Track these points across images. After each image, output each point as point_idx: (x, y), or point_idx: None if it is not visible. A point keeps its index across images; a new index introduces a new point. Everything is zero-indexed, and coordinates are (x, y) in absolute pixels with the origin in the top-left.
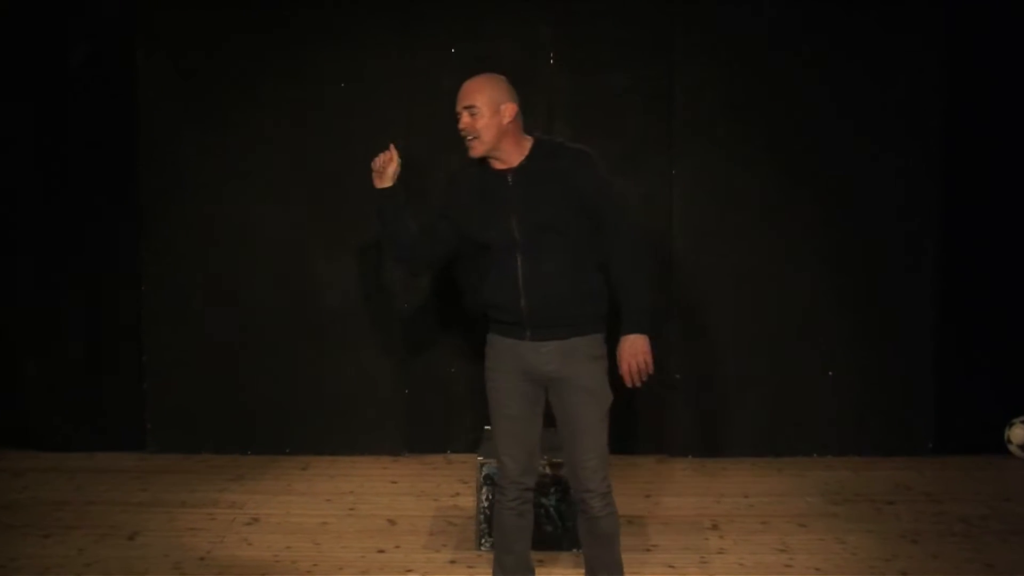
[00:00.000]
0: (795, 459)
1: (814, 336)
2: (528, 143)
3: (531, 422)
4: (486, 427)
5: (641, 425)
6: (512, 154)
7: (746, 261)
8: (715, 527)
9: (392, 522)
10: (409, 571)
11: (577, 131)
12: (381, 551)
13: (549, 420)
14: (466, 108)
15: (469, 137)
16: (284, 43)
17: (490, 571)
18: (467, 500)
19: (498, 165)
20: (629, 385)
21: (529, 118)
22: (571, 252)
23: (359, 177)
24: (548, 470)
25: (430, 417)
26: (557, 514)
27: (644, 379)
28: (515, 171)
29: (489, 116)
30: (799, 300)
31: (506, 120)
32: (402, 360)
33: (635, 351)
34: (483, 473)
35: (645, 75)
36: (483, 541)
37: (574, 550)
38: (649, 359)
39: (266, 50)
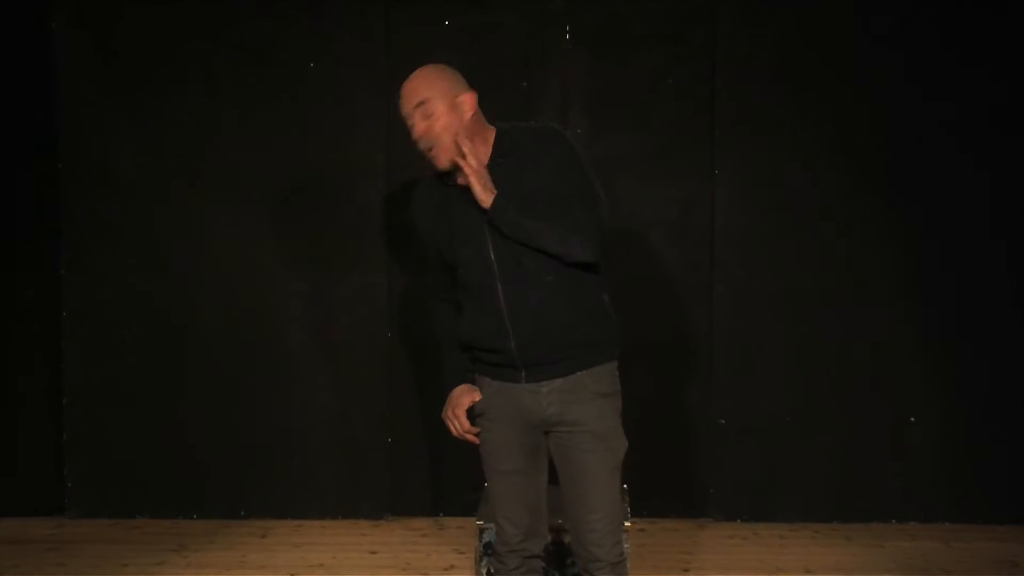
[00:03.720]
0: (868, 526)
1: (891, 374)
2: (491, 137)
3: (532, 477)
4: (487, 484)
5: (679, 482)
6: (479, 155)
7: (804, 281)
8: None
9: None
10: None
11: (597, 122)
12: None
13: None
14: (417, 107)
15: (428, 148)
16: (240, 14)
17: None
18: (463, 575)
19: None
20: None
21: (540, 107)
22: (562, 270)
23: (332, 179)
24: (565, 538)
25: (418, 472)
26: None
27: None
28: None
29: (447, 113)
30: (871, 329)
31: (468, 114)
32: (385, 402)
33: (478, 177)
34: (483, 540)
35: (681, 53)
36: None
37: None
38: (473, 169)
39: (219, 23)
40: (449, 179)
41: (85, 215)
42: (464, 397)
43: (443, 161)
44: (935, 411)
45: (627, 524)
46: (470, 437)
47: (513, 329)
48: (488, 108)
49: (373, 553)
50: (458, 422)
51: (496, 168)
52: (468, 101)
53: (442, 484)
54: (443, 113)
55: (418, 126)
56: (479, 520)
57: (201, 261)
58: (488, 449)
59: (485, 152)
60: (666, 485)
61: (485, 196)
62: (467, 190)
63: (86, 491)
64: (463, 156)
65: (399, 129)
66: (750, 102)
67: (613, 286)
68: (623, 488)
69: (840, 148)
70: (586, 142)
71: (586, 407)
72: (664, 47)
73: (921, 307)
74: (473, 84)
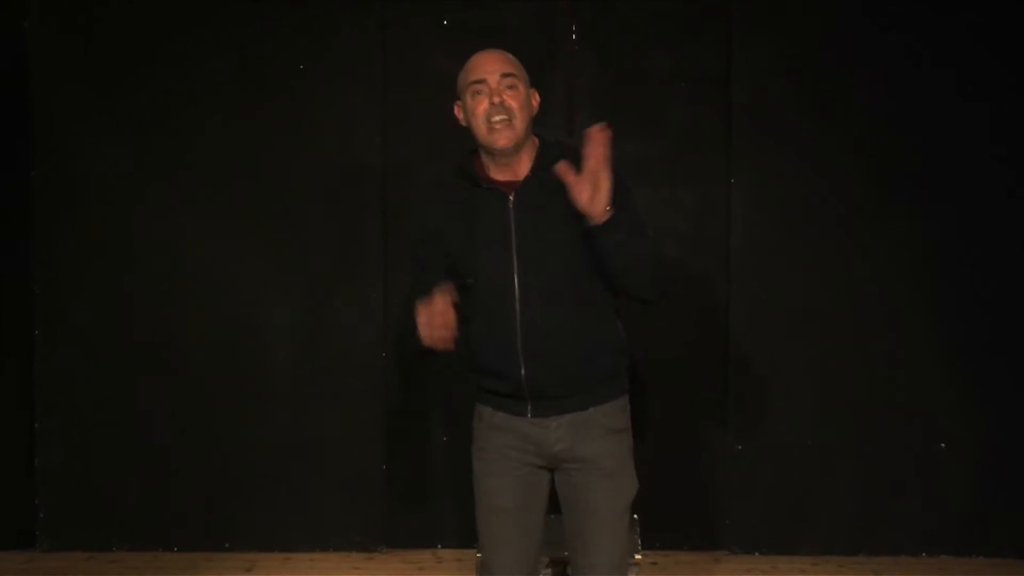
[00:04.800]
0: (897, 559)
1: (920, 396)
2: (535, 144)
3: (530, 519)
4: (479, 524)
5: (693, 511)
6: (522, 160)
7: (826, 295)
8: None
9: None
10: None
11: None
12: None
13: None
14: (504, 77)
15: (500, 118)
16: (226, 11)
17: None
18: None
19: (497, 176)
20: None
21: (545, 111)
22: (584, 296)
23: (324, 187)
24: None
25: (415, 501)
26: None
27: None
28: (517, 188)
29: (525, 96)
30: (898, 347)
31: (536, 110)
32: (379, 426)
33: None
34: (483, 574)
35: (695, 53)
36: None
37: None
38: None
39: (203, 20)
40: (481, 180)
41: (60, 226)
42: (445, 296)
43: (508, 138)
44: (968, 436)
45: (638, 556)
46: (448, 333)
47: (525, 356)
48: None
49: None
50: (441, 316)
51: (532, 183)
52: (536, 99)
53: (440, 514)
54: (523, 94)
55: (504, 93)
56: (479, 552)
57: (184, 276)
58: (485, 484)
59: (528, 159)
60: (680, 515)
61: (604, 206)
62: (499, 192)
63: (59, 522)
64: (595, 143)
65: (396, 134)
66: (767, 105)
67: (621, 302)
68: (633, 518)
69: (863, 153)
70: None
71: (596, 444)
72: (676, 48)
73: (952, 324)
74: None
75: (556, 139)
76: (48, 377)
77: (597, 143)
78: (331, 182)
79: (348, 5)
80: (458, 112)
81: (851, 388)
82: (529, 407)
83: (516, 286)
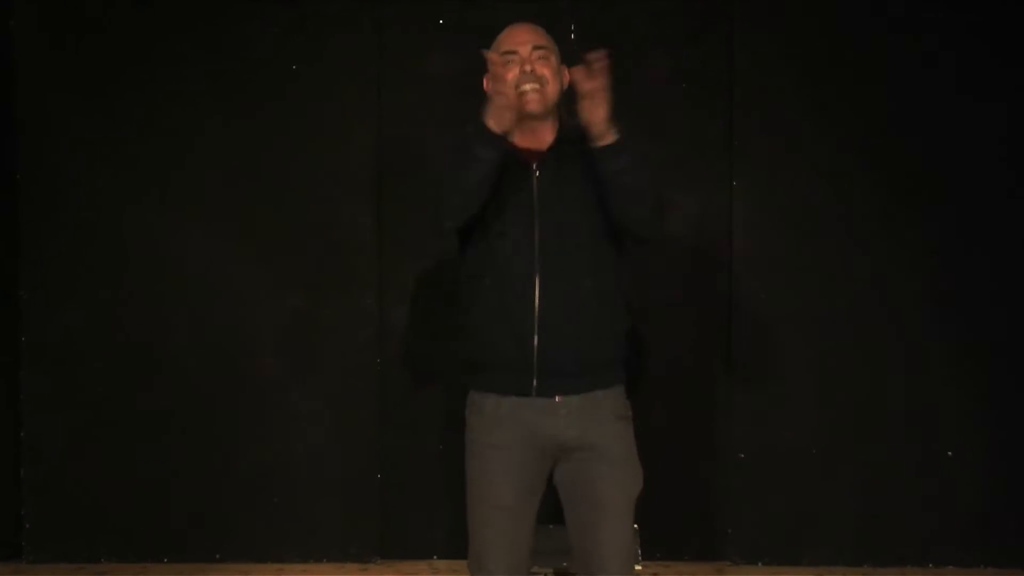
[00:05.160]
0: (902, 570)
1: (925, 402)
2: (557, 122)
3: (527, 518)
4: (474, 522)
5: (695, 521)
6: (547, 131)
7: (831, 301)
8: None
9: None
10: None
11: None
12: None
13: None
14: (536, 48)
15: (531, 86)
16: (219, 12)
17: None
18: None
19: (524, 143)
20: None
21: None
22: (599, 275)
23: (318, 191)
24: None
25: (411, 511)
26: None
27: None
28: (543, 160)
29: (555, 69)
30: (904, 353)
31: (565, 85)
32: (374, 435)
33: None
34: None
35: (696, 54)
36: None
37: None
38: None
39: (196, 19)
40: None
41: (47, 231)
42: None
43: (537, 103)
44: (974, 444)
45: (638, 568)
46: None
47: (539, 325)
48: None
49: None
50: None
51: (557, 157)
52: (567, 75)
53: (437, 524)
54: (553, 66)
55: (535, 63)
56: (472, 549)
57: (175, 282)
58: (485, 481)
59: (552, 131)
60: (681, 525)
61: (609, 127)
62: (525, 160)
63: (46, 533)
64: (594, 71)
65: (392, 135)
66: (771, 107)
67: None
68: (634, 528)
69: (869, 155)
70: None
71: (606, 430)
72: (677, 48)
73: (958, 329)
74: (471, 89)
75: (574, 120)
76: (35, 385)
77: (594, 72)
78: (326, 183)
79: (344, 5)
80: (487, 84)
81: (856, 395)
82: (535, 383)
83: (536, 251)
